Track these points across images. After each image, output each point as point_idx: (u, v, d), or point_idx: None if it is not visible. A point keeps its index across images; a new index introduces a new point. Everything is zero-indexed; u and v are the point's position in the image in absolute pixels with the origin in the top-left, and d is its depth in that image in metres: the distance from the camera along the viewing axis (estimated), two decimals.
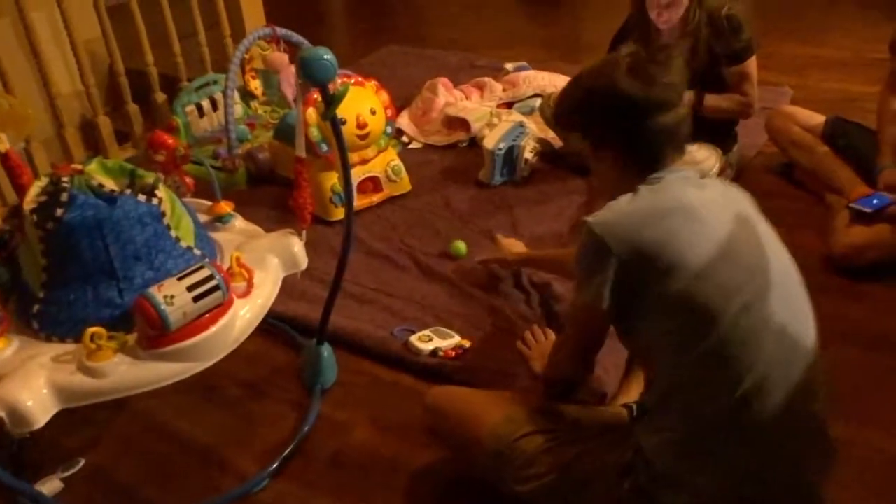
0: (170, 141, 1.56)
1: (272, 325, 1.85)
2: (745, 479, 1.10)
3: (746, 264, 1.12)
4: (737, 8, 2.19)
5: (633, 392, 1.55)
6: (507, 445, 1.26)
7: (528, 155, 2.50)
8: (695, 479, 1.11)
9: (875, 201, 1.99)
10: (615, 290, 1.14)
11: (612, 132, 1.23)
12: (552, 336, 1.75)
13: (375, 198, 2.41)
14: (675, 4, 2.13)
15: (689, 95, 2.19)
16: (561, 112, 1.36)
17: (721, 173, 2.33)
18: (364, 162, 2.33)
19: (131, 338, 1.25)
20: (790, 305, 1.13)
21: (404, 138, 2.89)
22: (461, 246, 2.11)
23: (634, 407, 1.40)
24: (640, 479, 1.15)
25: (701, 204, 1.16)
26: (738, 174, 2.44)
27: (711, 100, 2.24)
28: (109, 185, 1.35)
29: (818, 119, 2.34)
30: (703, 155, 2.27)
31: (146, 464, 1.57)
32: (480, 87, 3.13)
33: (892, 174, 2.02)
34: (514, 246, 1.99)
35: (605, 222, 1.15)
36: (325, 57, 1.25)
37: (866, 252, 1.94)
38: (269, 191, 2.50)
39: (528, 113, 2.86)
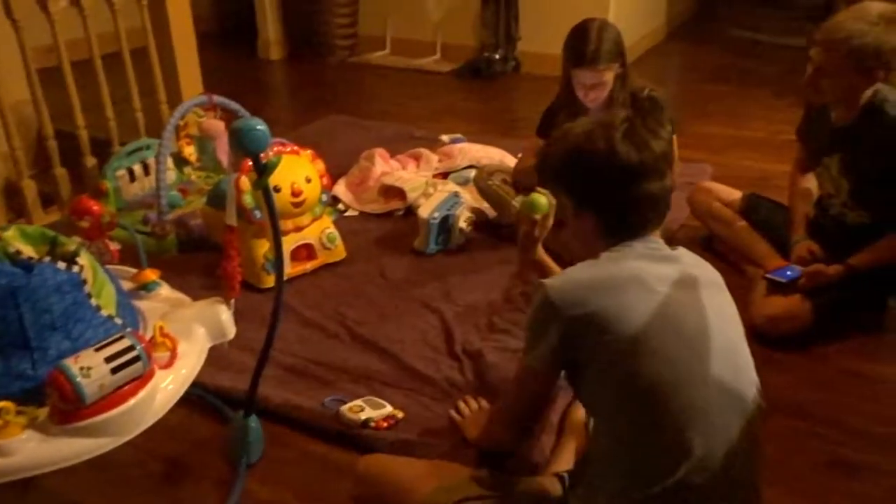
0: (95, 207, 1.53)
1: (197, 397, 1.79)
2: None
3: (689, 339, 1.12)
4: (657, 91, 2.33)
5: (565, 461, 1.55)
6: None
7: (462, 224, 2.54)
8: None
9: (789, 273, 2.09)
10: (559, 352, 1.15)
11: (600, 194, 1.22)
12: (485, 405, 1.74)
13: (309, 265, 2.39)
14: (600, 85, 2.24)
15: None
16: (547, 169, 1.31)
17: None
18: (298, 229, 2.33)
19: (43, 412, 1.19)
20: (732, 373, 1.14)
21: (340, 206, 2.90)
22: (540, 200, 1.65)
23: (566, 477, 1.40)
24: None
25: (656, 278, 1.16)
26: None
27: None
28: (28, 251, 1.31)
29: (736, 195, 2.47)
30: None
31: None
32: (417, 158, 3.19)
33: (803, 248, 2.13)
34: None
35: (558, 286, 1.17)
36: (258, 127, 1.26)
37: (782, 324, 2.03)
38: (201, 258, 2.45)
39: (463, 183, 2.92)
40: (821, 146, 2.15)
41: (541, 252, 1.70)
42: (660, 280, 1.16)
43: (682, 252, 1.26)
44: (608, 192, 1.21)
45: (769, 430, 1.71)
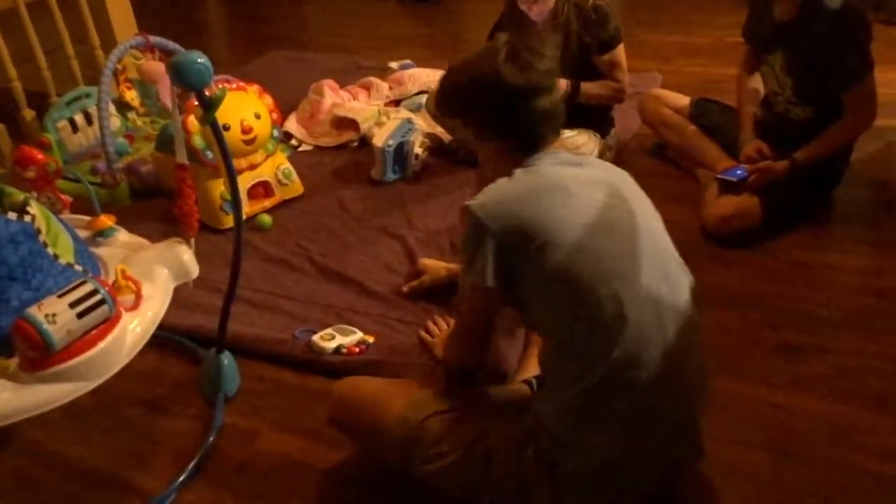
0: (39, 156, 1.50)
1: (168, 339, 1.80)
2: (638, 433, 1.17)
3: (618, 236, 1.19)
4: (602, 0, 2.31)
5: (532, 369, 1.60)
6: (413, 428, 1.28)
7: (417, 150, 2.54)
8: (592, 439, 1.17)
9: (738, 172, 2.14)
10: (498, 269, 1.19)
11: (494, 118, 1.28)
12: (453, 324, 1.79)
13: (267, 202, 2.38)
14: None
15: (564, 84, 2.29)
16: (442, 102, 1.38)
17: (601, 157, 2.45)
18: (253, 167, 2.30)
19: (13, 363, 1.19)
20: (662, 271, 1.21)
21: (293, 142, 2.86)
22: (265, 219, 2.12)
23: (534, 381, 1.46)
24: (542, 445, 1.20)
25: (574, 182, 1.22)
26: (617, 156, 2.57)
27: (586, 87, 2.35)
28: None
29: (685, 101, 2.50)
30: (581, 140, 2.38)
31: (40, 497, 1.49)
32: (367, 87, 3.15)
33: (752, 147, 2.19)
34: (438, 268, 1.97)
35: (482, 204, 1.21)
36: (199, 61, 1.23)
37: (733, 221, 2.09)
38: (156, 204, 2.42)
39: (416, 110, 2.90)
40: (764, 43, 2.17)
41: None
42: (579, 184, 1.22)
43: (590, 159, 1.35)
44: (501, 114, 1.27)
45: (721, 323, 1.81)
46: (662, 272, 1.20)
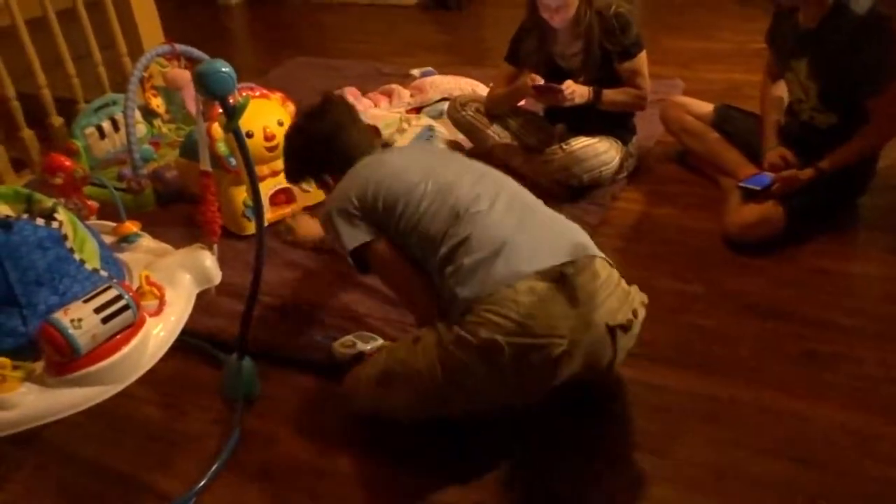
0: (67, 163, 1.52)
1: (190, 344, 1.82)
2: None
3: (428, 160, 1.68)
4: (624, 7, 2.31)
5: None
6: (436, 370, 1.42)
7: None
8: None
9: (762, 179, 2.13)
10: (369, 223, 1.58)
11: (323, 161, 1.76)
12: None
13: (289, 209, 2.40)
14: (565, 6, 2.22)
15: (587, 91, 2.29)
16: (293, 178, 1.91)
17: (622, 164, 2.44)
18: (275, 174, 2.32)
19: (38, 366, 1.21)
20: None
21: None
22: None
23: None
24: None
25: (378, 155, 1.73)
26: (639, 163, 2.56)
27: (608, 95, 2.34)
28: (4, 210, 1.31)
29: (707, 108, 2.49)
30: (603, 147, 2.38)
31: (63, 497, 1.52)
32: (388, 94, 3.17)
33: (775, 154, 2.17)
34: (311, 226, 2.20)
35: (331, 199, 1.66)
36: (223, 69, 1.26)
37: (755, 229, 2.08)
38: (180, 210, 2.45)
39: (437, 116, 2.91)
40: (789, 50, 2.15)
41: None
42: (392, 153, 1.76)
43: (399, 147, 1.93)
44: (319, 158, 1.76)
45: (744, 330, 1.80)
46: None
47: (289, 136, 1.82)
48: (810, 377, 1.66)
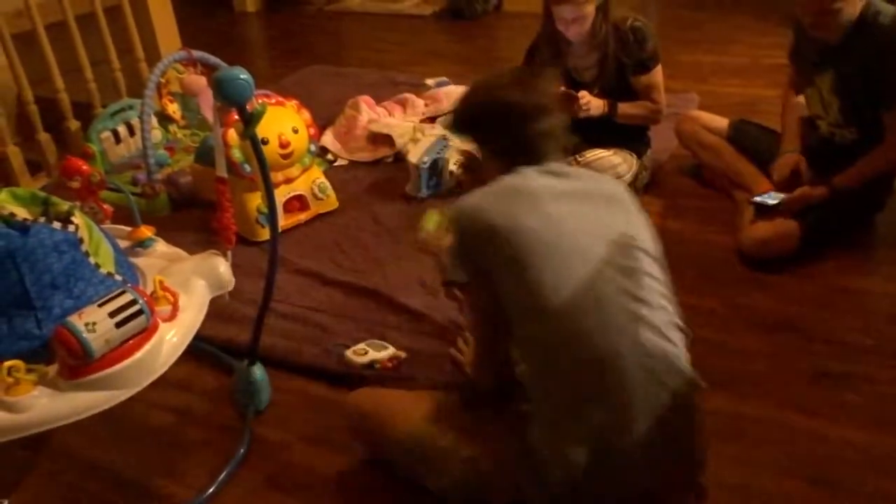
0: (84, 167, 1.53)
1: (201, 350, 1.82)
2: (614, 448, 1.17)
3: (580, 256, 1.20)
4: (640, 21, 2.30)
5: None
6: (420, 444, 1.31)
7: (452, 167, 2.55)
8: (570, 454, 1.16)
9: (774, 195, 2.11)
10: (480, 269, 1.24)
11: (501, 137, 1.34)
12: None
13: (302, 216, 2.40)
14: (581, 19, 2.22)
15: (602, 104, 2.29)
16: (456, 124, 1.48)
17: (636, 177, 2.43)
18: (289, 181, 2.33)
19: (52, 369, 1.21)
20: (629, 290, 1.20)
21: (329, 156, 2.89)
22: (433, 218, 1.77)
23: None
24: (529, 461, 1.21)
25: (544, 189, 1.26)
26: (653, 177, 2.55)
27: (623, 108, 2.34)
28: (22, 214, 1.31)
29: (723, 122, 2.47)
30: (617, 160, 2.37)
31: (72, 502, 1.52)
32: (403, 104, 3.17)
33: (786, 166, 2.15)
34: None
35: (461, 207, 1.27)
36: (241, 77, 1.26)
37: (770, 245, 2.06)
38: (193, 215, 2.46)
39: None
40: (812, 65, 2.14)
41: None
42: (555, 194, 1.25)
43: (579, 171, 1.41)
44: (507, 133, 1.34)
45: (758, 348, 1.78)
46: (628, 279, 1.20)
47: (483, 91, 1.40)
48: (825, 396, 1.64)
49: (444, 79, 3.40)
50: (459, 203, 1.28)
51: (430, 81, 3.37)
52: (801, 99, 2.29)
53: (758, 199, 2.14)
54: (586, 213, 1.25)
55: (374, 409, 1.42)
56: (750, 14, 4.31)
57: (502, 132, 1.33)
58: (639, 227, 1.28)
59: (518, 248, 1.19)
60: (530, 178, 1.28)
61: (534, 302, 1.18)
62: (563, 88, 2.28)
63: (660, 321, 1.20)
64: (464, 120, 1.44)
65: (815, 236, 2.07)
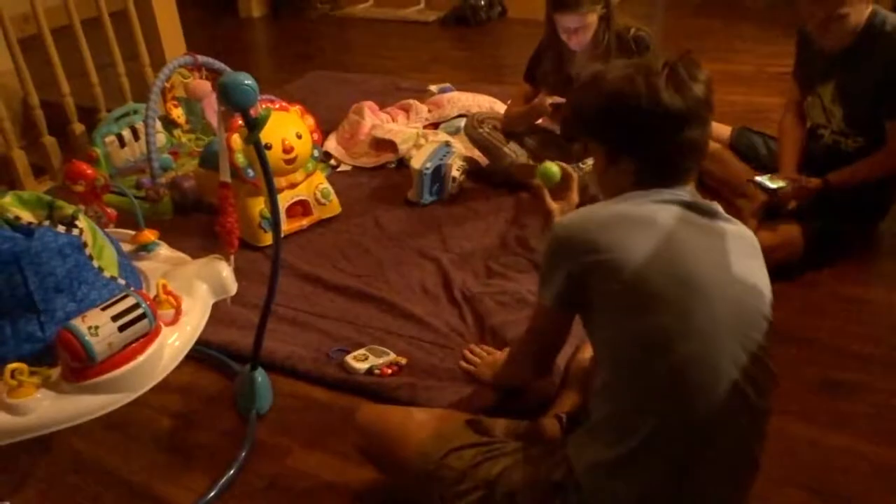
0: (88, 171, 1.54)
1: (204, 354, 1.83)
2: (669, 497, 1.11)
3: (700, 301, 1.08)
4: (644, 30, 2.31)
5: (567, 403, 1.58)
6: (435, 462, 1.25)
7: (455, 173, 2.55)
8: (622, 497, 1.11)
9: (777, 180, 2.11)
10: (565, 293, 1.17)
11: (639, 141, 1.17)
12: (493, 351, 1.77)
13: (305, 221, 2.41)
14: (584, 28, 2.23)
15: None
16: (582, 116, 1.26)
17: None
18: (292, 186, 2.34)
19: (55, 372, 1.22)
20: (740, 348, 1.10)
21: (332, 161, 2.90)
22: (552, 169, 1.62)
23: (564, 417, 1.44)
24: (570, 499, 1.14)
25: (673, 227, 1.11)
26: None
27: None
28: (27, 217, 1.32)
29: (726, 130, 2.48)
30: None
31: None
32: (406, 109, 3.18)
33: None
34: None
35: (566, 226, 1.17)
36: (246, 82, 1.26)
37: (774, 252, 2.04)
38: (197, 219, 2.47)
39: (454, 133, 2.92)
40: (815, 75, 2.14)
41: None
42: (679, 227, 1.11)
43: (716, 206, 1.19)
44: (650, 138, 1.15)
45: None
46: (744, 359, 1.10)
47: (627, 84, 1.15)
48: (829, 406, 1.64)
49: (448, 85, 3.41)
50: (570, 221, 1.17)
51: (433, 88, 3.38)
52: (801, 127, 2.27)
53: (758, 179, 2.13)
54: (719, 261, 1.11)
55: (383, 427, 1.36)
56: (755, 23, 4.32)
57: (644, 136, 1.15)
58: (765, 284, 1.17)
59: (626, 280, 1.07)
60: (657, 206, 1.13)
61: (641, 347, 1.09)
62: (561, 101, 2.28)
63: (760, 409, 1.13)
64: (593, 114, 1.22)
65: (819, 245, 2.06)
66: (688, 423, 1.07)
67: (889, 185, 2.15)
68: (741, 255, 1.15)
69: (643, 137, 1.16)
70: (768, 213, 2.12)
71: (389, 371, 1.76)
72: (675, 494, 1.10)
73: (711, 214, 1.17)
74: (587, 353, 1.63)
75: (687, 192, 1.18)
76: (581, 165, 2.35)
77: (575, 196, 1.60)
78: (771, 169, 2.28)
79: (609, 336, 1.14)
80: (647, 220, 1.12)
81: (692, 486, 1.10)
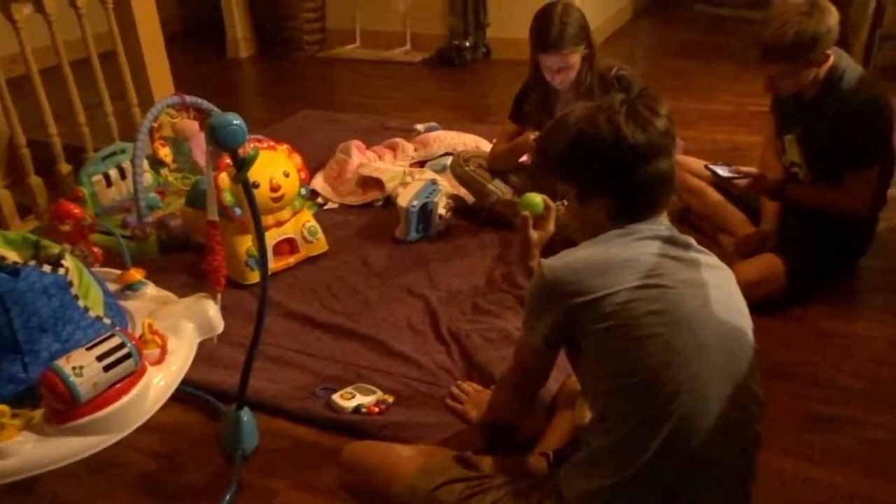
0: (75, 210, 1.54)
1: (189, 394, 1.81)
2: None
3: (687, 338, 1.11)
4: (626, 70, 2.36)
5: (553, 440, 1.57)
6: (423, 497, 1.25)
7: (441, 211, 2.57)
8: None
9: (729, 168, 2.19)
10: (553, 334, 1.18)
11: (609, 178, 1.20)
12: (480, 388, 1.77)
13: (292, 259, 2.41)
14: (567, 68, 2.28)
15: None
16: (551, 157, 1.29)
17: None
18: (279, 224, 2.34)
19: (37, 414, 1.20)
20: (731, 385, 1.13)
21: (319, 200, 2.91)
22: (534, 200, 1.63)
23: (551, 455, 1.44)
24: None
25: (655, 263, 1.15)
26: None
27: None
28: (12, 257, 1.31)
29: None
30: None
31: None
32: (393, 148, 3.21)
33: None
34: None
35: (554, 268, 1.18)
36: (234, 122, 1.28)
37: (757, 288, 2.07)
38: (184, 258, 2.46)
39: (441, 171, 2.95)
40: (787, 119, 2.19)
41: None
42: (662, 263, 1.14)
43: (688, 238, 1.23)
44: (617, 175, 1.19)
45: None
46: (731, 386, 1.12)
47: (590, 123, 1.19)
48: (815, 440, 1.64)
49: (434, 124, 3.46)
50: (557, 263, 1.18)
51: (419, 126, 3.42)
52: (779, 166, 2.32)
53: (712, 166, 2.20)
54: (702, 293, 1.14)
55: (369, 464, 1.35)
56: (735, 63, 4.42)
57: (612, 172, 1.18)
58: (746, 313, 1.20)
59: (621, 325, 1.10)
60: (639, 241, 1.17)
61: (632, 383, 1.10)
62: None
63: (749, 436, 1.16)
64: (562, 154, 1.25)
65: (801, 280, 2.09)
66: (680, 453, 1.09)
67: (869, 224, 2.19)
68: (721, 285, 1.19)
69: (611, 174, 1.19)
70: (752, 249, 2.15)
71: (377, 409, 1.75)
72: None
73: (686, 246, 1.21)
74: (574, 385, 1.63)
75: (663, 225, 1.21)
76: (566, 202, 2.38)
77: (552, 227, 1.63)
78: (751, 204, 2.32)
79: (600, 373, 1.16)
80: (632, 260, 1.15)
81: None
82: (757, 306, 2.02)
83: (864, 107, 1.99)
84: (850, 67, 2.02)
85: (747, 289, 2.04)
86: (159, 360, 1.33)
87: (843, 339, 1.98)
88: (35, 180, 2.83)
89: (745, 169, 2.19)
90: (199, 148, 2.83)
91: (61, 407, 1.16)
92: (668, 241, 1.19)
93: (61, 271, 1.29)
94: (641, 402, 1.10)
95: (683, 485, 1.10)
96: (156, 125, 2.89)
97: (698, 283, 1.16)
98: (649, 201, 1.20)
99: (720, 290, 1.18)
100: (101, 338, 1.22)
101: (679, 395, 1.08)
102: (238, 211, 2.23)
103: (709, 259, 1.22)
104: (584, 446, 1.20)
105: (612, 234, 1.19)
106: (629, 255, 1.16)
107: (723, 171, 2.18)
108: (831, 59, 2.00)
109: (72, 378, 1.15)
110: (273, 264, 2.32)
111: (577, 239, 1.27)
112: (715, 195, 2.44)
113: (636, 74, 2.39)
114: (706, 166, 2.24)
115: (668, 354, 1.09)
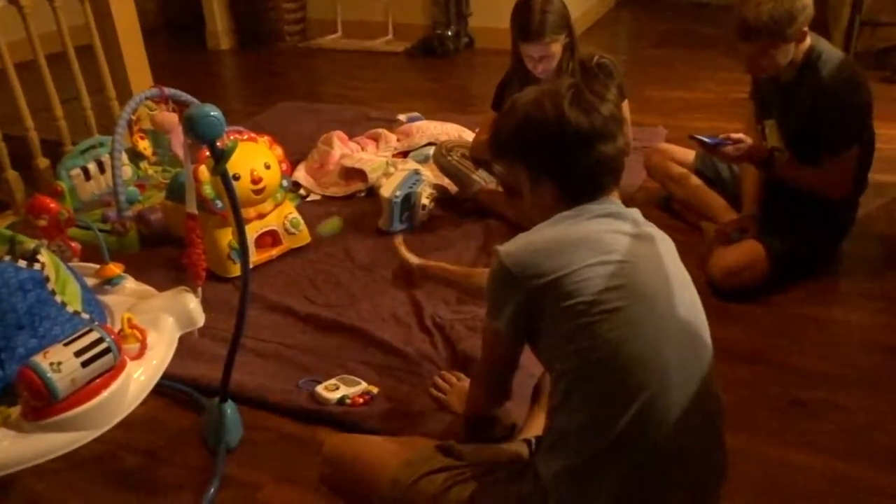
0: (52, 205, 1.52)
1: (171, 388, 1.79)
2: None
3: (648, 305, 1.13)
4: (607, 58, 2.36)
5: (535, 428, 1.57)
6: (405, 489, 1.25)
7: (424, 201, 2.56)
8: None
9: (718, 140, 2.16)
10: (516, 318, 1.18)
11: (555, 162, 1.21)
12: (463, 378, 1.77)
13: (274, 251, 2.40)
14: (548, 57, 2.27)
15: None
16: (500, 141, 1.31)
17: None
18: (261, 216, 2.33)
19: (14, 411, 1.19)
20: (691, 348, 1.15)
21: (302, 191, 2.89)
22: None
23: (533, 441, 1.44)
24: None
25: (612, 237, 1.17)
26: None
27: None
28: None
29: (691, 155, 2.53)
30: None
31: None
32: (375, 139, 3.20)
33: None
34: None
35: (510, 253, 1.18)
36: (212, 114, 1.26)
37: (740, 274, 2.09)
38: (164, 252, 2.44)
39: (423, 161, 2.94)
40: (767, 103, 2.20)
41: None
42: (615, 238, 1.17)
43: (635, 211, 1.26)
44: (562, 158, 1.20)
45: (729, 378, 1.79)
46: (691, 350, 1.15)
47: (536, 108, 1.22)
48: (797, 426, 1.66)
49: (417, 114, 3.44)
50: (512, 247, 1.19)
51: (402, 117, 3.40)
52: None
53: (698, 136, 2.17)
54: (653, 257, 1.17)
55: (351, 457, 1.34)
56: (716, 51, 4.44)
57: (558, 157, 1.20)
58: (684, 281, 1.21)
59: (577, 297, 1.11)
60: (591, 220, 1.18)
61: (592, 360, 1.11)
62: None
63: (714, 409, 1.18)
64: (511, 139, 1.26)
65: (783, 265, 2.11)
66: (645, 431, 1.10)
67: (848, 210, 2.20)
68: (673, 258, 1.22)
69: (557, 157, 1.21)
70: (734, 235, 2.16)
71: (361, 400, 1.75)
72: (641, 501, 1.12)
73: (636, 222, 1.22)
74: None
75: (613, 203, 1.23)
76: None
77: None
78: (733, 190, 2.34)
79: (562, 353, 1.16)
80: (586, 238, 1.17)
81: (657, 496, 1.12)
82: (737, 292, 2.08)
83: (841, 86, 1.99)
84: (827, 50, 2.03)
85: (730, 275, 2.10)
86: (139, 355, 1.31)
87: (823, 325, 2.00)
88: (12, 175, 2.78)
89: (735, 135, 2.16)
90: (179, 140, 2.80)
91: (39, 404, 1.15)
92: (619, 217, 1.21)
93: (37, 266, 1.27)
94: (600, 382, 1.12)
95: (651, 467, 1.11)
96: (135, 118, 2.85)
97: (654, 257, 1.19)
98: (595, 184, 1.22)
99: (675, 264, 1.21)
100: (79, 333, 1.21)
101: (639, 370, 1.10)
102: (219, 204, 2.21)
103: (657, 232, 1.25)
104: (551, 428, 1.21)
105: (563, 216, 1.21)
106: (582, 233, 1.17)
107: (709, 140, 2.15)
108: (808, 40, 2.00)
109: (49, 374, 1.13)
110: (255, 257, 2.31)
111: (528, 225, 1.28)
112: (696, 182, 2.45)
113: (618, 62, 2.39)
114: (690, 137, 2.21)
115: (627, 328, 1.11)
